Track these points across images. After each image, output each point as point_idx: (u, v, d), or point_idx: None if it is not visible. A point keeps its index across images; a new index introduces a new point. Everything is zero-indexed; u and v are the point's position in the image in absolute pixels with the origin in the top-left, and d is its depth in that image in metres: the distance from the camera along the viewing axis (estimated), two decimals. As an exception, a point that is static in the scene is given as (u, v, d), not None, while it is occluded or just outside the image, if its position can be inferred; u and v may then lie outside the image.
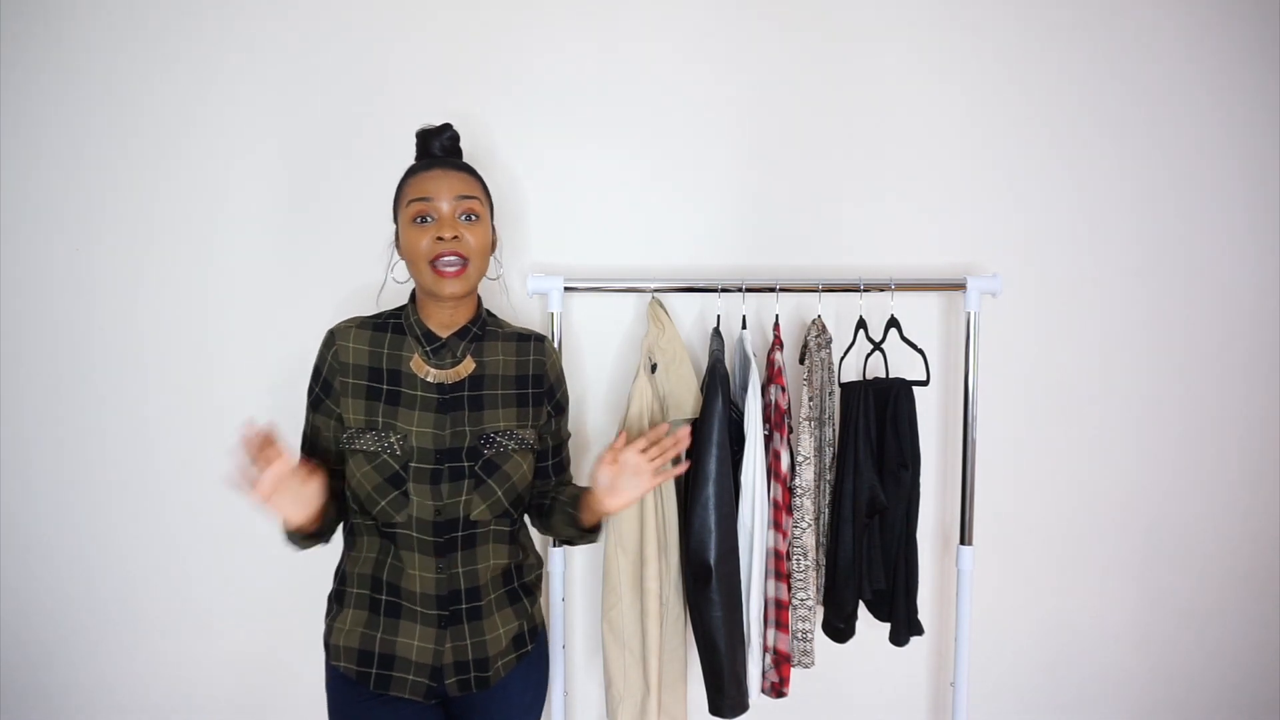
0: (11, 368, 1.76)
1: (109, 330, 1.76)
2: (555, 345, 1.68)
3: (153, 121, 1.74)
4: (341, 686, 1.27)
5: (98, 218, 1.75)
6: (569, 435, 1.46)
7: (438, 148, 1.31)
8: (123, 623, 1.80)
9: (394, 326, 1.30)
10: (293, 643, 1.81)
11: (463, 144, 1.36)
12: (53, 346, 1.76)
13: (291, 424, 1.33)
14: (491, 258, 1.31)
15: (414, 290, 1.33)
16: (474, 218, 1.25)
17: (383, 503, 1.22)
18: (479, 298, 1.35)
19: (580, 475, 1.81)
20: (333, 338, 1.28)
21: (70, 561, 1.79)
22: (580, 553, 1.85)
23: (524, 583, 1.36)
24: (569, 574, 1.83)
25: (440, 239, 1.21)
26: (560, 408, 1.40)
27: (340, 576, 1.31)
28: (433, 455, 1.23)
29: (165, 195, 1.75)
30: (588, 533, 1.36)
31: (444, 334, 1.29)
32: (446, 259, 1.22)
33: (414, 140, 1.34)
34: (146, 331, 1.77)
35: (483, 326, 1.33)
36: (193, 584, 1.81)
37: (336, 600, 1.31)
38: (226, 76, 1.74)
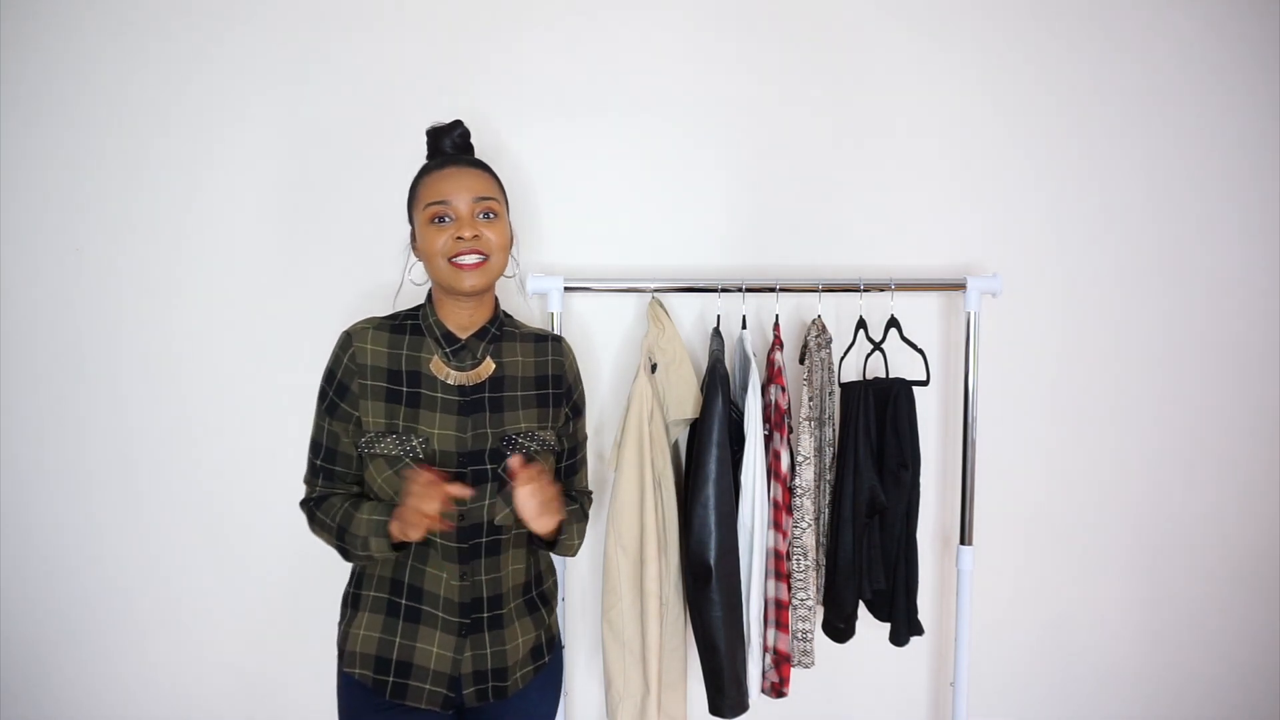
0: (13, 369, 1.76)
1: (113, 331, 1.76)
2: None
3: (158, 122, 1.74)
4: (355, 693, 1.25)
5: (100, 218, 1.75)
6: (585, 438, 1.44)
7: (449, 145, 1.30)
8: (121, 627, 1.80)
9: (412, 328, 1.28)
10: (292, 647, 1.81)
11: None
12: (56, 347, 1.76)
13: (302, 427, 1.31)
14: (509, 253, 1.29)
15: (431, 290, 1.31)
16: (492, 216, 1.24)
17: None
18: (496, 298, 1.33)
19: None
20: (349, 339, 1.25)
21: (69, 565, 1.79)
22: (580, 553, 1.83)
23: (541, 592, 1.34)
24: (569, 574, 1.83)
25: (460, 238, 1.21)
26: (577, 409, 1.38)
27: (357, 579, 1.28)
28: (455, 458, 1.21)
29: (169, 196, 1.75)
30: (545, 544, 1.30)
31: (463, 335, 1.28)
32: (466, 255, 1.21)
33: (424, 138, 1.32)
34: (151, 333, 1.77)
35: (501, 327, 1.31)
36: (192, 588, 1.80)
37: (352, 604, 1.27)
38: (236, 74, 1.74)
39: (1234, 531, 1.99)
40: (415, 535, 1.12)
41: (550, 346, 1.35)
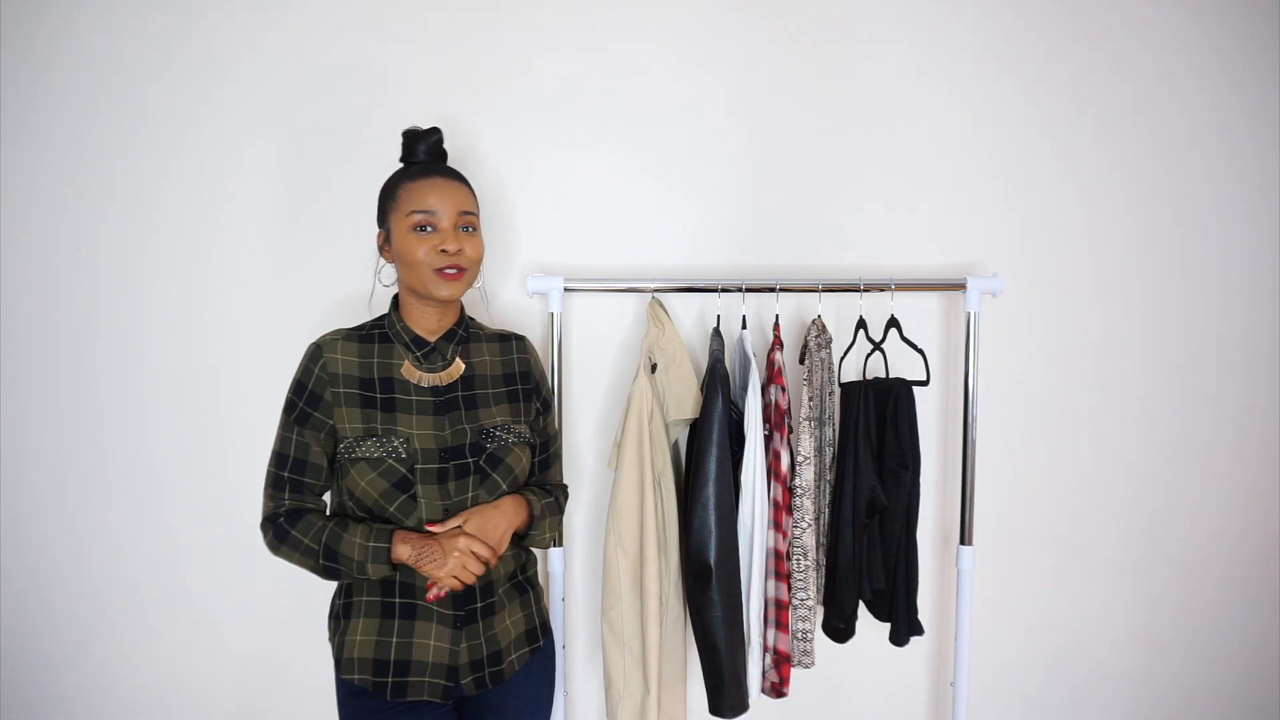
0: (12, 368, 1.76)
1: (110, 331, 1.76)
2: (555, 345, 1.69)
3: (153, 124, 1.74)
4: (356, 700, 1.25)
5: (99, 218, 1.75)
6: (557, 432, 1.48)
7: (423, 151, 1.33)
8: (123, 625, 1.80)
9: (380, 336, 1.31)
10: (295, 644, 1.81)
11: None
12: (54, 347, 1.76)
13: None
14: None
15: (395, 297, 1.34)
16: (472, 229, 1.29)
17: (391, 508, 1.22)
18: (461, 302, 1.37)
19: (572, 476, 1.81)
20: (319, 350, 1.27)
21: (70, 563, 1.79)
22: (580, 553, 1.85)
23: (527, 576, 1.38)
24: (569, 574, 1.84)
25: (444, 251, 1.24)
26: (547, 404, 1.43)
27: (345, 590, 1.28)
28: (437, 455, 1.24)
29: (165, 197, 1.75)
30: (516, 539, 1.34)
31: (432, 338, 1.31)
32: (448, 269, 1.25)
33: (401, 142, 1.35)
34: (148, 332, 1.77)
35: (467, 329, 1.36)
36: (194, 586, 1.80)
37: (343, 614, 1.28)
38: (225, 80, 1.74)
39: (1235, 532, 1.99)
40: (457, 583, 1.21)
41: (515, 345, 1.40)
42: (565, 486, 1.50)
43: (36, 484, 1.78)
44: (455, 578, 1.19)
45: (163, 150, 1.75)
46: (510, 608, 1.31)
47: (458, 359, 1.32)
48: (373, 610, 1.25)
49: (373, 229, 1.72)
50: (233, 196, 1.76)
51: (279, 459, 1.25)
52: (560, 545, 1.73)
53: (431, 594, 1.20)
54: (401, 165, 1.35)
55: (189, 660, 1.82)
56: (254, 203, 1.76)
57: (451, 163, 1.38)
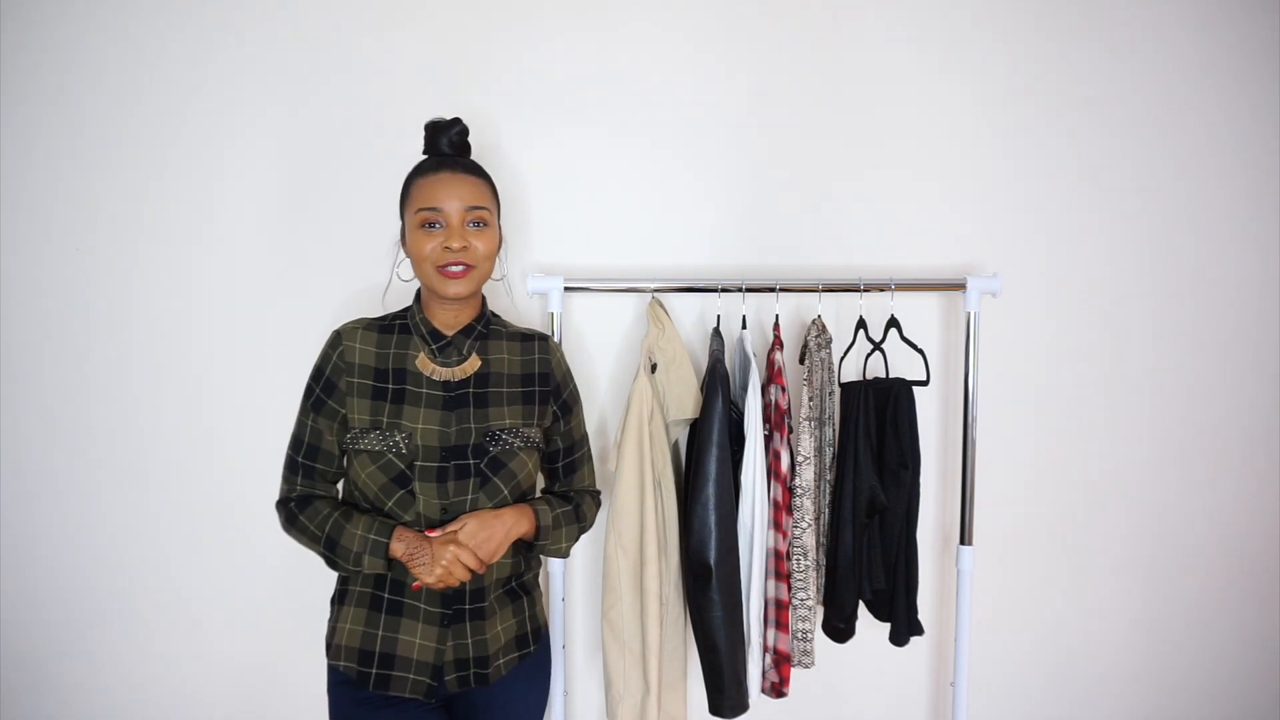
0: (11, 368, 1.76)
1: (109, 330, 1.76)
2: (555, 345, 1.69)
3: (154, 120, 1.74)
4: (341, 686, 1.27)
5: (99, 217, 1.75)
6: (584, 435, 1.44)
7: (446, 144, 1.31)
8: (120, 626, 1.80)
9: (400, 327, 1.30)
10: (290, 647, 1.81)
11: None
12: (53, 346, 1.76)
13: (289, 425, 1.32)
14: (496, 259, 1.31)
15: (419, 290, 1.33)
16: (482, 225, 1.27)
17: (389, 503, 1.22)
18: (483, 297, 1.35)
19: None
20: (339, 338, 1.27)
21: (67, 564, 1.79)
22: (580, 553, 1.85)
23: (522, 581, 1.36)
24: (569, 574, 1.84)
25: (449, 248, 1.23)
26: (567, 407, 1.39)
27: (343, 576, 1.30)
28: (438, 453, 1.23)
29: (166, 194, 1.75)
30: (526, 546, 1.34)
31: (449, 332, 1.30)
32: (453, 266, 1.23)
33: (421, 132, 1.32)
34: (147, 332, 1.77)
35: (487, 325, 1.34)
36: (190, 587, 1.80)
37: (339, 600, 1.30)
38: (227, 73, 1.74)
39: (1234, 531, 1.99)
40: (449, 581, 1.20)
41: (537, 345, 1.37)
42: (597, 492, 1.47)
43: (33, 484, 1.78)
44: (440, 580, 1.19)
45: (164, 147, 1.75)
46: (502, 614, 1.30)
47: (474, 355, 1.30)
48: (363, 600, 1.26)
49: (379, 223, 1.72)
50: (235, 193, 1.76)
51: (295, 443, 1.28)
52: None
53: (416, 584, 1.21)
54: (424, 157, 1.32)
55: (183, 661, 1.82)
56: (257, 198, 1.76)
57: None
